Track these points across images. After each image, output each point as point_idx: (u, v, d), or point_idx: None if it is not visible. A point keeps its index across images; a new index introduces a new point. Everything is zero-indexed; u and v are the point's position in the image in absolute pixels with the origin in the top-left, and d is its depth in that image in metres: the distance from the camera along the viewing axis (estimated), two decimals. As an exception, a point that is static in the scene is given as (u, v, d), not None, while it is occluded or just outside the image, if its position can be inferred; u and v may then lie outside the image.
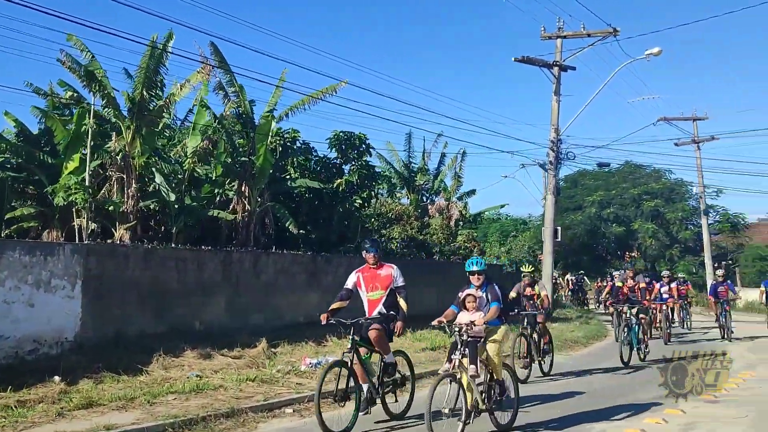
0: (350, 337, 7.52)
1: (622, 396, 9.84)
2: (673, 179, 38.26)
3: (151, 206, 16.14)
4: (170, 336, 11.89)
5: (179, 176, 15.87)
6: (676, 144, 36.57)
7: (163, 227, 16.66)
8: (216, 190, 16.68)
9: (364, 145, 18.58)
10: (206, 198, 16.46)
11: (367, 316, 7.78)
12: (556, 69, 23.47)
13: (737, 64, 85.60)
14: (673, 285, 18.77)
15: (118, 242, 14.08)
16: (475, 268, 7.55)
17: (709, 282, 37.85)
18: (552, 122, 23.76)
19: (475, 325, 7.11)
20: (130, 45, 14.21)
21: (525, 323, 11.28)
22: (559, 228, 24.30)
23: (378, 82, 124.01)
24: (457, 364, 6.99)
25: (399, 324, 7.66)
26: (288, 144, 18.20)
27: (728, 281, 18.71)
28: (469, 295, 7.45)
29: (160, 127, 16.32)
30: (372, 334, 7.57)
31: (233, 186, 16.95)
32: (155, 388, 8.91)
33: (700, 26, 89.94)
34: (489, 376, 7.43)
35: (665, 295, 18.14)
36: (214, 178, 16.77)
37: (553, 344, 12.22)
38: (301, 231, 17.58)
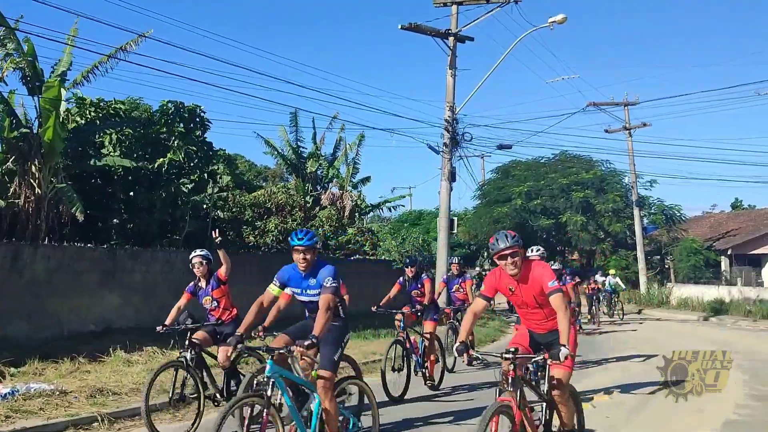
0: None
1: None
2: (607, 169, 35.93)
3: None
4: None
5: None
6: (606, 131, 34.48)
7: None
8: (-7, 170, 13.57)
9: (198, 118, 15.55)
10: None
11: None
12: (451, 39, 20.77)
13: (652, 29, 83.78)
14: (468, 279, 11.72)
15: None
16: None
17: (642, 279, 35.66)
18: (447, 99, 21.04)
19: None
20: None
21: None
22: (455, 219, 21.65)
23: (263, 62, 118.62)
24: None
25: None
26: (108, 116, 15.16)
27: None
28: None
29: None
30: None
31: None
32: None
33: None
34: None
35: (457, 295, 11.64)
36: (-5, 155, 13.67)
37: None
38: (115, 220, 14.55)
